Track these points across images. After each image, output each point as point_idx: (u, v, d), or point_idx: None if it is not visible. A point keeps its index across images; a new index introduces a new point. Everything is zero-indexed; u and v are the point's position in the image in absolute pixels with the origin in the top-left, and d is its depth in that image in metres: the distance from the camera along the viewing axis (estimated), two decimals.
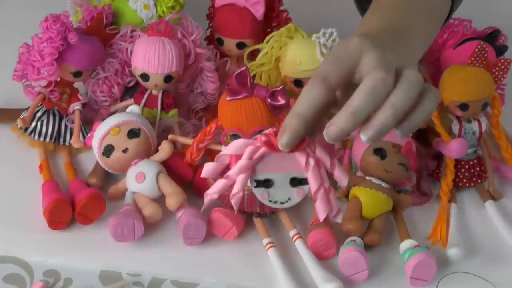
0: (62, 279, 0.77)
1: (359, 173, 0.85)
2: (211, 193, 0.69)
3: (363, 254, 0.76)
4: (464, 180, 0.89)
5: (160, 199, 0.81)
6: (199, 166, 0.83)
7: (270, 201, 0.69)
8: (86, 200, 0.79)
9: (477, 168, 0.90)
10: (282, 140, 0.65)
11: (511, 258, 0.82)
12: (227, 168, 0.69)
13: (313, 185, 0.68)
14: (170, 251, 0.79)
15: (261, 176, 0.68)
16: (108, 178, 0.86)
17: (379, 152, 0.82)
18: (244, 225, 0.81)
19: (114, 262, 0.78)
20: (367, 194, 0.81)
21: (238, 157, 0.68)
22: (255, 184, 0.68)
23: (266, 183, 0.69)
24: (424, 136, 0.92)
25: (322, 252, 0.79)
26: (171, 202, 0.79)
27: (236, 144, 0.68)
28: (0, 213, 0.81)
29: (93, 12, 0.91)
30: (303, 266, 0.78)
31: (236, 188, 0.68)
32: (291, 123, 0.64)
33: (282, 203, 0.70)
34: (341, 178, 0.69)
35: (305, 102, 0.63)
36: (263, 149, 0.67)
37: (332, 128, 0.62)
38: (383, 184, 0.82)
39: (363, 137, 0.63)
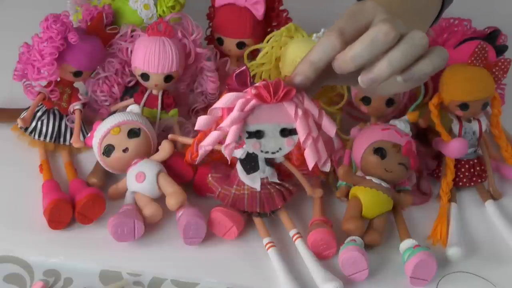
0: (62, 279, 0.77)
1: (359, 173, 0.85)
2: (205, 145, 0.73)
3: (363, 253, 0.76)
4: (464, 180, 0.89)
5: (160, 199, 0.81)
6: (199, 166, 0.83)
7: (262, 151, 0.73)
8: (86, 200, 0.79)
9: (477, 168, 0.90)
10: (293, 82, 0.70)
11: (511, 258, 0.82)
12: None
13: (301, 134, 0.72)
14: (170, 251, 0.79)
15: (252, 127, 0.72)
16: (108, 178, 0.86)
17: (379, 151, 0.82)
18: (244, 225, 0.81)
19: (114, 262, 0.78)
20: (367, 194, 0.81)
21: (230, 109, 0.71)
22: (247, 135, 0.72)
23: (258, 134, 0.73)
24: (424, 136, 0.92)
25: (322, 252, 0.79)
26: (171, 202, 0.79)
27: (227, 97, 0.72)
28: (0, 213, 0.81)
29: (93, 12, 0.91)
30: (303, 266, 0.78)
31: (229, 139, 0.72)
32: (304, 69, 0.69)
33: (273, 153, 0.74)
34: (329, 128, 0.74)
35: (320, 52, 0.68)
36: (253, 101, 0.71)
37: (335, 64, 0.67)
38: (383, 183, 0.82)
39: (358, 79, 0.67)
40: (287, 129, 0.73)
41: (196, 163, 0.78)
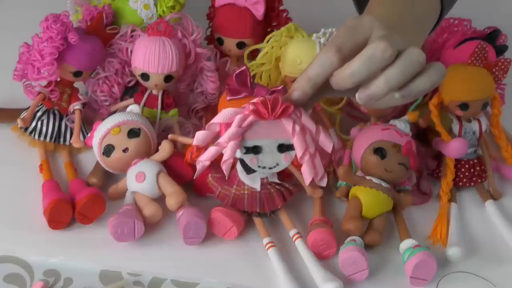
0: (62, 279, 0.77)
1: (359, 173, 0.85)
2: (203, 160, 0.73)
3: (363, 253, 0.76)
4: (464, 180, 0.89)
5: (160, 199, 0.81)
6: None
7: (259, 166, 0.74)
8: (86, 199, 0.79)
9: (477, 168, 0.90)
10: (291, 98, 0.70)
11: (511, 258, 0.82)
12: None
13: (298, 150, 0.73)
14: (170, 251, 0.79)
15: (250, 143, 0.73)
16: (108, 178, 0.86)
17: (379, 151, 0.82)
18: (244, 225, 0.81)
19: (114, 262, 0.78)
20: (367, 194, 0.81)
21: (228, 125, 0.72)
22: (244, 150, 0.73)
23: (255, 150, 0.73)
24: (424, 136, 0.92)
25: (322, 252, 0.79)
26: (171, 201, 0.79)
27: (226, 112, 0.72)
28: (0, 213, 0.81)
29: (93, 12, 0.91)
30: (303, 266, 0.78)
31: (226, 155, 0.72)
32: (302, 84, 0.69)
33: (270, 168, 0.75)
34: (326, 144, 0.74)
35: (318, 68, 0.68)
36: (251, 117, 0.71)
37: (332, 80, 0.68)
38: (383, 183, 0.82)
39: (356, 96, 0.68)
40: (285, 144, 0.73)
41: (194, 177, 0.79)
